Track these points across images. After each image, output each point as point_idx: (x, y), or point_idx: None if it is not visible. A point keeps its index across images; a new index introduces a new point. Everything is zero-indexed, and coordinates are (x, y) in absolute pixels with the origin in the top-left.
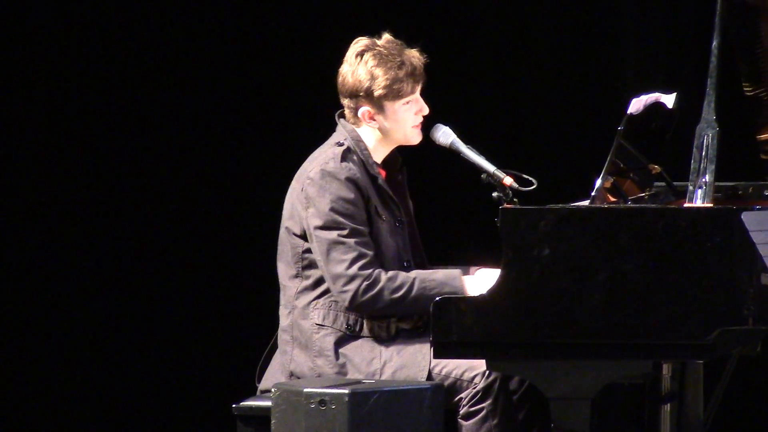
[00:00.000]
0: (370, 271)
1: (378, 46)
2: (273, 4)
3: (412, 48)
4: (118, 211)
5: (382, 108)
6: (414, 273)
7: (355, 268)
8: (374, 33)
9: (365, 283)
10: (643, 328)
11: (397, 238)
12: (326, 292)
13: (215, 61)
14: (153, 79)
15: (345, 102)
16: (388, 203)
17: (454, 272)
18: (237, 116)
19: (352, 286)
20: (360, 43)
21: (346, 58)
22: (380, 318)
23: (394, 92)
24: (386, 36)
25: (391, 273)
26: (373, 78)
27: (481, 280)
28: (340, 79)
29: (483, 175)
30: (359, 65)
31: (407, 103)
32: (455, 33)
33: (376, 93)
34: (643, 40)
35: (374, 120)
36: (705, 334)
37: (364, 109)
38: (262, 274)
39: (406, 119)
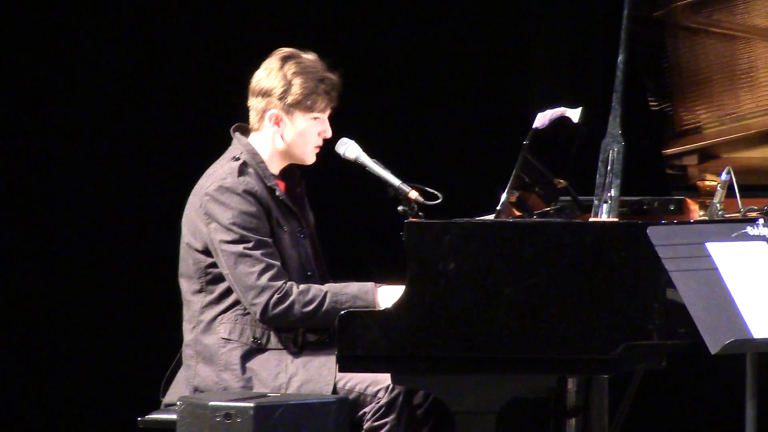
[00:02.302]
0: (281, 283)
1: (303, 57)
2: (177, 15)
3: (334, 71)
4: (20, 220)
5: (291, 115)
6: (327, 286)
7: (264, 279)
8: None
9: (276, 296)
10: (548, 342)
11: (300, 249)
12: (232, 306)
13: (115, 73)
14: (53, 85)
15: (253, 102)
16: (288, 215)
17: (367, 286)
18: (134, 131)
19: (263, 299)
20: (286, 50)
21: (266, 62)
22: (288, 330)
23: (307, 104)
24: (313, 54)
25: (303, 286)
26: (290, 84)
27: (394, 295)
28: (254, 79)
29: (388, 189)
30: (279, 69)
31: (315, 119)
32: (360, 45)
33: (290, 99)
34: (550, 54)
35: (278, 126)
36: (610, 349)
37: (273, 112)
38: (166, 288)
39: (309, 135)
